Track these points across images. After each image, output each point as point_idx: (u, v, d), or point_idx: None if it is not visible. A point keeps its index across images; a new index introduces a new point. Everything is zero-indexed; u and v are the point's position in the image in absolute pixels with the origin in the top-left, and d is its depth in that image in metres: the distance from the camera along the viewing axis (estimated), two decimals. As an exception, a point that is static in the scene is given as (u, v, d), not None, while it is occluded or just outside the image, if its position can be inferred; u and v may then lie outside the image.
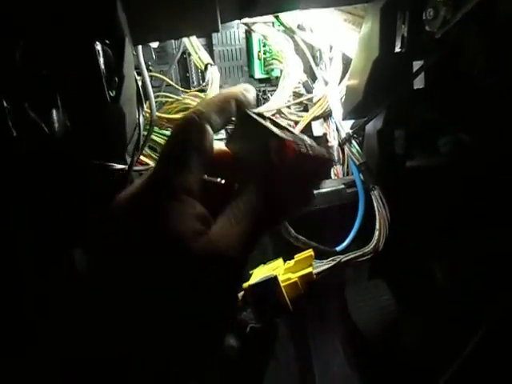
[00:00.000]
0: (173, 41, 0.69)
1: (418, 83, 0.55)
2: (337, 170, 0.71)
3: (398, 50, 0.48)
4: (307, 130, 0.78)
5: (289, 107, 0.76)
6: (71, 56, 0.39)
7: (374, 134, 0.59)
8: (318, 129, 0.77)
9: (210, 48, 0.75)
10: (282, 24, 0.52)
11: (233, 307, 0.28)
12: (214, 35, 0.74)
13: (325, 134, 0.74)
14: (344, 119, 0.59)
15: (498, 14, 0.53)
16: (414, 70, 0.52)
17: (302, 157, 0.28)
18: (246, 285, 0.51)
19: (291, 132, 0.30)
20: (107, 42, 0.38)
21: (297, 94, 0.75)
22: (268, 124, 0.29)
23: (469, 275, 0.67)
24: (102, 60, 0.39)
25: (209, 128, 0.27)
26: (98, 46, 0.38)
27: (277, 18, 0.51)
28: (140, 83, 0.54)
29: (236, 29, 0.74)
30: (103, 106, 0.41)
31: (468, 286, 0.67)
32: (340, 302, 0.75)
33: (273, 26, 0.63)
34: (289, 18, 0.57)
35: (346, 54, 0.57)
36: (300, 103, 0.77)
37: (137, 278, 0.23)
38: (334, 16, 0.51)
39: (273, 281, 0.49)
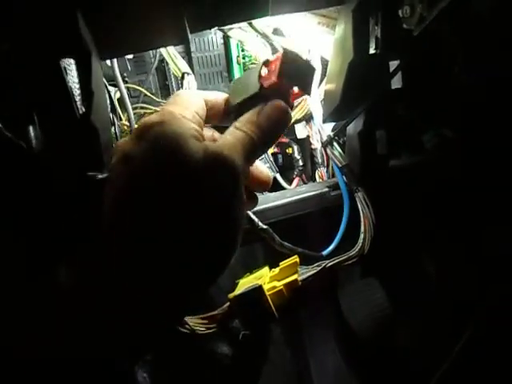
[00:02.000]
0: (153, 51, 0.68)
1: (396, 83, 0.54)
2: (321, 173, 0.70)
3: (372, 51, 0.48)
4: (291, 132, 0.78)
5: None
6: (38, 74, 0.38)
7: (355, 135, 0.59)
8: (301, 131, 0.77)
9: (188, 55, 0.74)
10: (255, 30, 0.51)
11: (240, 210, 0.28)
12: (192, 42, 0.73)
13: (308, 137, 0.74)
14: (324, 122, 0.59)
15: (474, 9, 0.52)
16: (391, 70, 0.51)
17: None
18: (231, 295, 0.51)
19: None
20: (73, 58, 0.37)
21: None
22: None
23: (461, 271, 0.67)
24: (68, 77, 0.38)
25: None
26: (64, 63, 0.38)
27: (250, 23, 0.50)
28: (118, 95, 0.53)
29: (213, 34, 0.73)
30: (73, 123, 0.40)
31: (460, 282, 0.66)
32: (333, 302, 0.75)
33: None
34: (263, 23, 0.57)
35: (323, 56, 0.56)
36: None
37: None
38: (308, 20, 0.50)
39: (258, 290, 0.49)
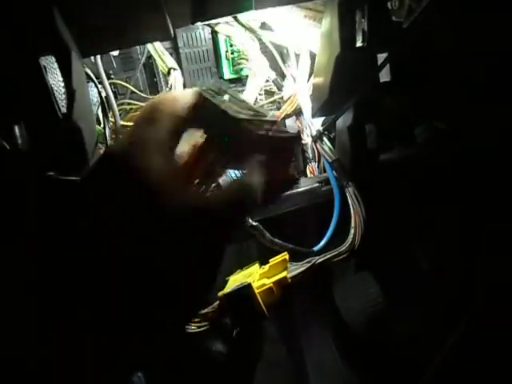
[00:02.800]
0: (137, 46, 0.67)
1: (385, 76, 0.54)
2: (312, 168, 0.70)
3: (359, 44, 0.47)
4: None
5: (261, 106, 0.75)
6: (19, 73, 0.37)
7: (344, 129, 0.58)
8: (292, 127, 0.76)
9: (176, 51, 0.73)
10: (241, 24, 0.50)
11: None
12: (179, 37, 0.72)
13: (299, 132, 0.73)
14: (313, 117, 0.58)
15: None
16: (380, 62, 0.50)
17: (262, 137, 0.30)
18: (221, 293, 0.50)
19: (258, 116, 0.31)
20: (52, 56, 0.37)
21: (269, 93, 0.74)
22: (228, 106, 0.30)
23: (453, 266, 0.67)
24: (48, 76, 0.38)
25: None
26: (44, 62, 0.37)
27: (235, 18, 0.49)
28: (104, 93, 0.53)
29: (201, 30, 0.72)
30: (56, 123, 0.39)
31: (452, 276, 0.66)
32: (328, 297, 0.75)
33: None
34: (250, 17, 0.56)
35: (311, 50, 0.56)
36: (272, 102, 0.76)
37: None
38: (294, 13, 0.49)
39: (247, 288, 0.48)
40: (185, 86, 0.74)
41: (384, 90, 0.54)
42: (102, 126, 0.56)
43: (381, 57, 0.52)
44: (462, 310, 0.63)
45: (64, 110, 0.39)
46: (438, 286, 0.68)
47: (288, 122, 0.76)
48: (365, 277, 0.74)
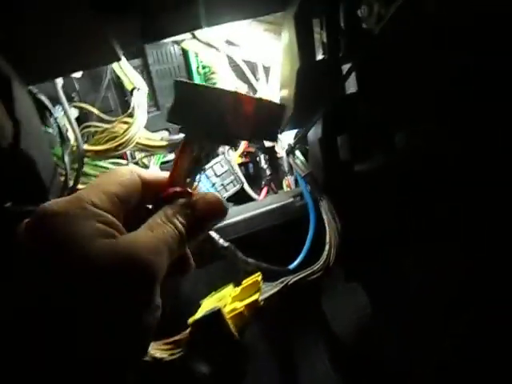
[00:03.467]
0: (106, 67, 0.66)
1: (352, 87, 0.52)
2: (288, 182, 0.68)
3: (320, 57, 0.46)
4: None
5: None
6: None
7: (316, 142, 0.57)
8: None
9: (146, 68, 0.72)
10: (198, 40, 0.49)
11: (148, 310, 0.25)
12: (149, 54, 0.71)
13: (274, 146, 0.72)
14: (282, 131, 0.57)
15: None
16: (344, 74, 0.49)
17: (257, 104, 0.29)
18: (191, 320, 0.49)
19: None
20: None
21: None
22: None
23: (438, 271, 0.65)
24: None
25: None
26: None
27: (193, 35, 0.48)
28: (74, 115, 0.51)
29: (172, 46, 0.71)
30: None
31: (437, 282, 0.65)
32: (318, 308, 0.73)
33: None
34: (214, 33, 0.55)
35: (276, 62, 0.54)
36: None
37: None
38: (254, 28, 0.48)
39: (216, 314, 0.46)
40: (157, 103, 0.73)
41: (353, 101, 0.53)
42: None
43: (346, 67, 0.50)
44: (455, 320, 0.61)
45: (10, 140, 0.38)
46: (427, 295, 0.66)
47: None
48: (353, 287, 0.72)
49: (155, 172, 0.33)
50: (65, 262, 0.22)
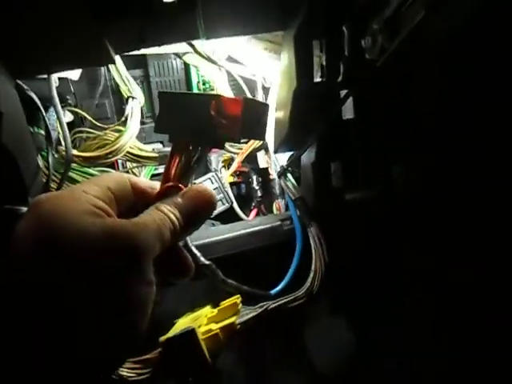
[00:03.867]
0: (105, 74, 0.66)
1: (348, 113, 0.52)
2: (278, 205, 0.67)
3: (318, 79, 0.45)
4: (253, 161, 0.75)
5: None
6: None
7: (309, 166, 0.56)
8: (262, 161, 0.74)
9: (147, 79, 0.72)
10: (197, 53, 0.48)
11: (143, 292, 0.25)
12: (151, 66, 0.71)
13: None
14: (276, 152, 0.56)
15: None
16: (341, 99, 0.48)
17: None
18: (163, 338, 0.46)
19: None
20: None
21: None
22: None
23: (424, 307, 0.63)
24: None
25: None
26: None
27: (194, 48, 0.47)
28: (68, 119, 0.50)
29: (174, 60, 0.71)
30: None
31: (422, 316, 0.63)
32: (301, 342, 0.71)
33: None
34: (214, 48, 0.54)
35: (274, 83, 0.54)
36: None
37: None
38: (253, 45, 0.48)
39: (190, 334, 0.44)
40: (155, 115, 0.73)
41: (348, 127, 0.52)
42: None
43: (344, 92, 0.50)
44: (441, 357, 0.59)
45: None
46: (413, 330, 0.64)
47: (259, 156, 0.74)
48: (337, 320, 0.70)
49: (147, 180, 0.33)
50: (54, 236, 0.23)
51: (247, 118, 0.30)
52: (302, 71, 0.44)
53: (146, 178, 0.68)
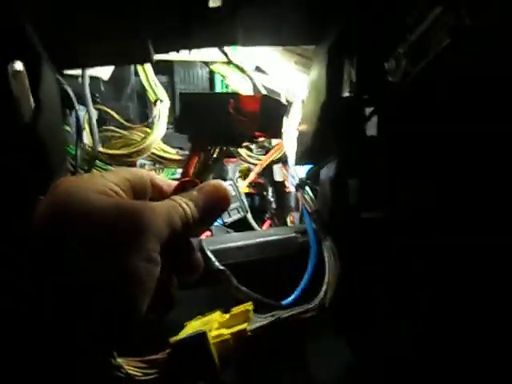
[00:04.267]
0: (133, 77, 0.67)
1: (372, 131, 0.53)
2: (292, 217, 0.67)
3: (346, 94, 0.46)
4: (268, 174, 0.76)
5: (250, 150, 0.74)
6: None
7: (327, 181, 0.56)
8: (279, 174, 0.75)
9: (171, 86, 0.73)
10: (229, 61, 0.50)
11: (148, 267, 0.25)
12: (176, 73, 0.73)
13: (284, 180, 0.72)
14: (296, 164, 0.56)
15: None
16: (367, 116, 0.49)
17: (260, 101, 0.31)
18: (173, 339, 0.46)
19: None
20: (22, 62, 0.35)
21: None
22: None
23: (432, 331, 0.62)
24: (15, 84, 0.36)
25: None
26: (12, 67, 0.35)
27: (227, 56, 0.49)
28: (85, 115, 0.51)
29: (200, 68, 0.73)
30: (16, 131, 0.37)
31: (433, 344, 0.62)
32: (300, 365, 0.70)
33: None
34: (244, 59, 0.56)
35: (299, 97, 0.55)
36: (262, 147, 0.75)
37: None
38: (285, 57, 0.49)
39: (201, 337, 0.44)
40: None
41: (371, 146, 0.53)
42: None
43: (369, 111, 0.51)
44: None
45: (28, 119, 0.37)
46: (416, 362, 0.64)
47: (275, 169, 0.75)
48: (340, 341, 0.69)
49: (165, 179, 0.34)
50: (66, 209, 0.24)
51: (264, 114, 0.31)
52: (331, 85, 0.45)
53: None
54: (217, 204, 0.31)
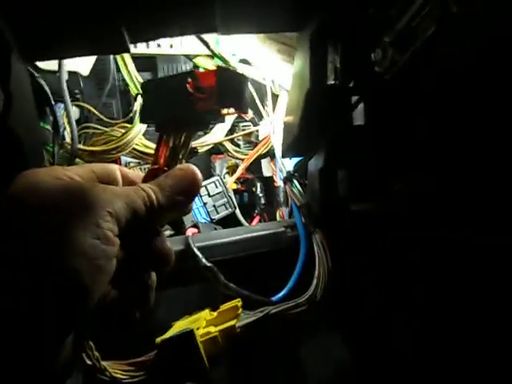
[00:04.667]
0: (114, 73, 0.65)
1: (360, 120, 0.51)
2: (282, 212, 0.66)
3: (331, 82, 0.45)
4: (257, 170, 0.75)
5: (238, 145, 0.72)
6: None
7: (316, 173, 0.55)
8: (267, 169, 0.74)
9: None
10: (212, 52, 0.48)
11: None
12: (160, 69, 0.71)
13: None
14: (283, 157, 0.55)
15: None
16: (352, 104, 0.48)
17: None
18: (159, 339, 0.45)
19: None
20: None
21: (247, 134, 0.72)
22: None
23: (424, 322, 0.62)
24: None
25: None
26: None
27: (207, 45, 0.47)
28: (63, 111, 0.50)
29: (183, 63, 0.71)
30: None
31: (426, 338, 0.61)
32: (294, 360, 0.69)
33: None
34: (228, 50, 0.54)
35: (284, 87, 0.54)
36: (249, 142, 0.73)
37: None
38: (267, 46, 0.48)
39: (188, 335, 0.43)
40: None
41: (358, 135, 0.51)
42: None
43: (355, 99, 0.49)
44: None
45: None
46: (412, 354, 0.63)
47: (264, 164, 0.74)
48: (333, 336, 0.68)
49: (137, 172, 0.35)
50: (23, 192, 0.25)
51: (223, 86, 0.29)
52: (316, 72, 0.44)
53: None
54: (186, 187, 0.30)
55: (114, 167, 0.31)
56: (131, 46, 0.38)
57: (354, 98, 0.49)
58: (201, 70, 0.31)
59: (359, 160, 0.55)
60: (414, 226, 0.57)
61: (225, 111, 0.32)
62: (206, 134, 0.65)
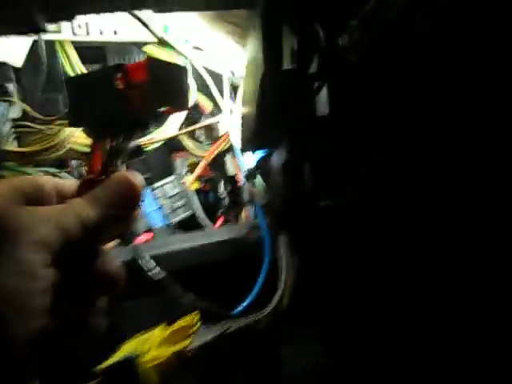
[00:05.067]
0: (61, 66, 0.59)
1: (323, 107, 0.47)
2: (247, 212, 0.61)
3: (287, 66, 0.40)
4: (220, 168, 0.69)
5: (200, 142, 0.67)
6: None
7: (279, 168, 0.50)
8: (232, 167, 0.68)
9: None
10: (152, 33, 0.43)
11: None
12: (110, 61, 0.65)
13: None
14: (243, 151, 0.50)
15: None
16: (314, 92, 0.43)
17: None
18: (100, 367, 0.39)
19: None
20: None
21: (208, 127, 0.67)
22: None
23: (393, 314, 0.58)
24: None
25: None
26: None
27: (150, 30, 0.42)
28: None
29: (136, 54, 0.65)
30: None
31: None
32: (274, 359, 0.65)
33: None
34: (178, 36, 0.49)
35: (236, 73, 0.49)
36: (213, 138, 0.68)
37: None
38: (216, 28, 0.42)
39: (129, 363, 0.37)
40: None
41: (321, 124, 0.47)
42: None
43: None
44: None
45: None
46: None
47: (228, 162, 0.68)
48: (312, 337, 0.64)
49: (75, 181, 0.29)
50: None
51: (156, 82, 0.25)
52: (270, 56, 0.39)
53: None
54: (123, 198, 0.26)
55: (43, 180, 0.26)
56: (52, 26, 0.33)
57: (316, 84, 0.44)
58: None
59: (323, 150, 0.50)
60: (376, 207, 0.53)
61: (163, 109, 0.27)
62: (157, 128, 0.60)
